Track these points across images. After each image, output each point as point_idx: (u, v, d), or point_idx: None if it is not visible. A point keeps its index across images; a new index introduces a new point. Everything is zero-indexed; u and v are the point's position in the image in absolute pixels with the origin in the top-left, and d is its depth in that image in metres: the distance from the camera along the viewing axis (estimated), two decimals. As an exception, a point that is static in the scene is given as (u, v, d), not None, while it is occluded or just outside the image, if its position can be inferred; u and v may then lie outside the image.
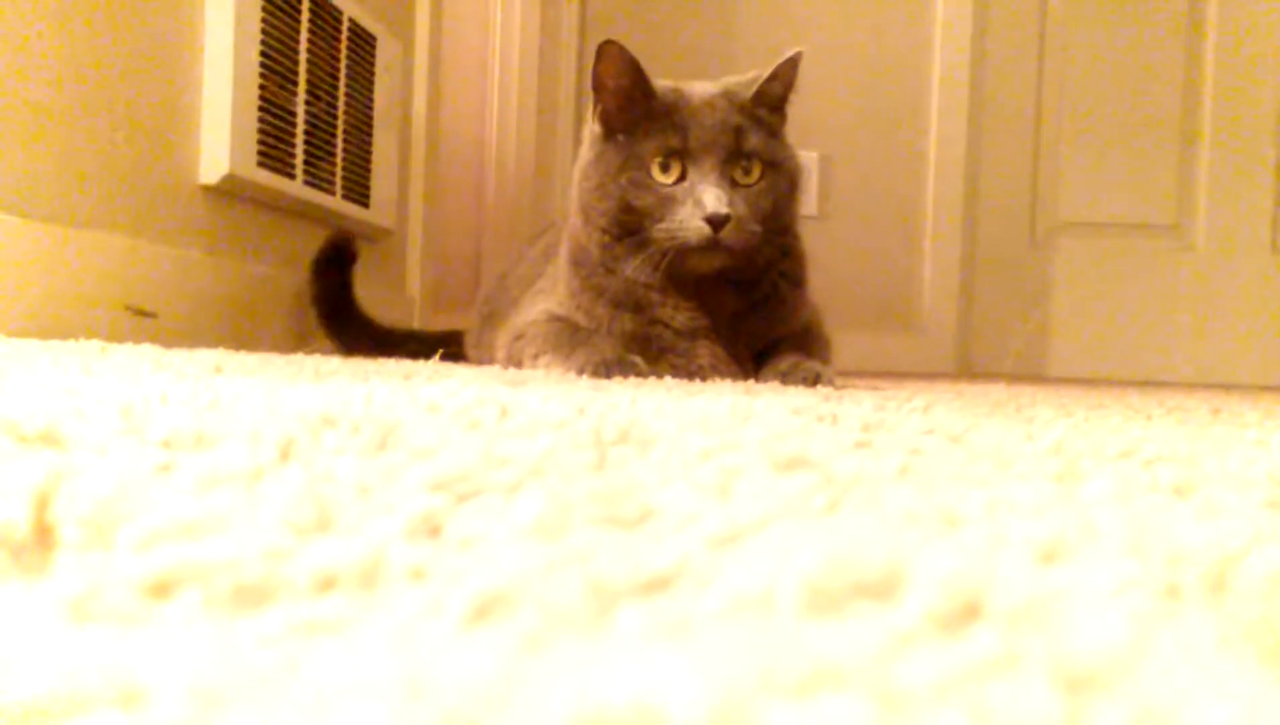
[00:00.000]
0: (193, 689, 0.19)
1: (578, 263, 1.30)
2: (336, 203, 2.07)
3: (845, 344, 2.82)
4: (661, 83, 1.26)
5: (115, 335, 1.40)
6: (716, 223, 1.16)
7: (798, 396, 0.89)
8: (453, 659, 0.21)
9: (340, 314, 1.93)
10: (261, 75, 1.78)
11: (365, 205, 2.20)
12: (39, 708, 0.18)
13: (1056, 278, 2.97)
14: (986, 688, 0.19)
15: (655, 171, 1.20)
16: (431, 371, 1.10)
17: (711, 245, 1.18)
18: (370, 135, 2.21)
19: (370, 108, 2.21)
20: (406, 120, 2.47)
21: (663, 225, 1.19)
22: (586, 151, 1.28)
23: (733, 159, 1.21)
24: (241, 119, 1.73)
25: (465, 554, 0.28)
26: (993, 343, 3.00)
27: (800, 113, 3.01)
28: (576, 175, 1.30)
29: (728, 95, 1.25)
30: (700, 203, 1.17)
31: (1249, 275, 2.87)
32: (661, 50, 2.81)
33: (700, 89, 1.26)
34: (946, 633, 0.23)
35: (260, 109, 1.78)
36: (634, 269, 1.23)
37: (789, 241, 1.32)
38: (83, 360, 0.89)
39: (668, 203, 1.19)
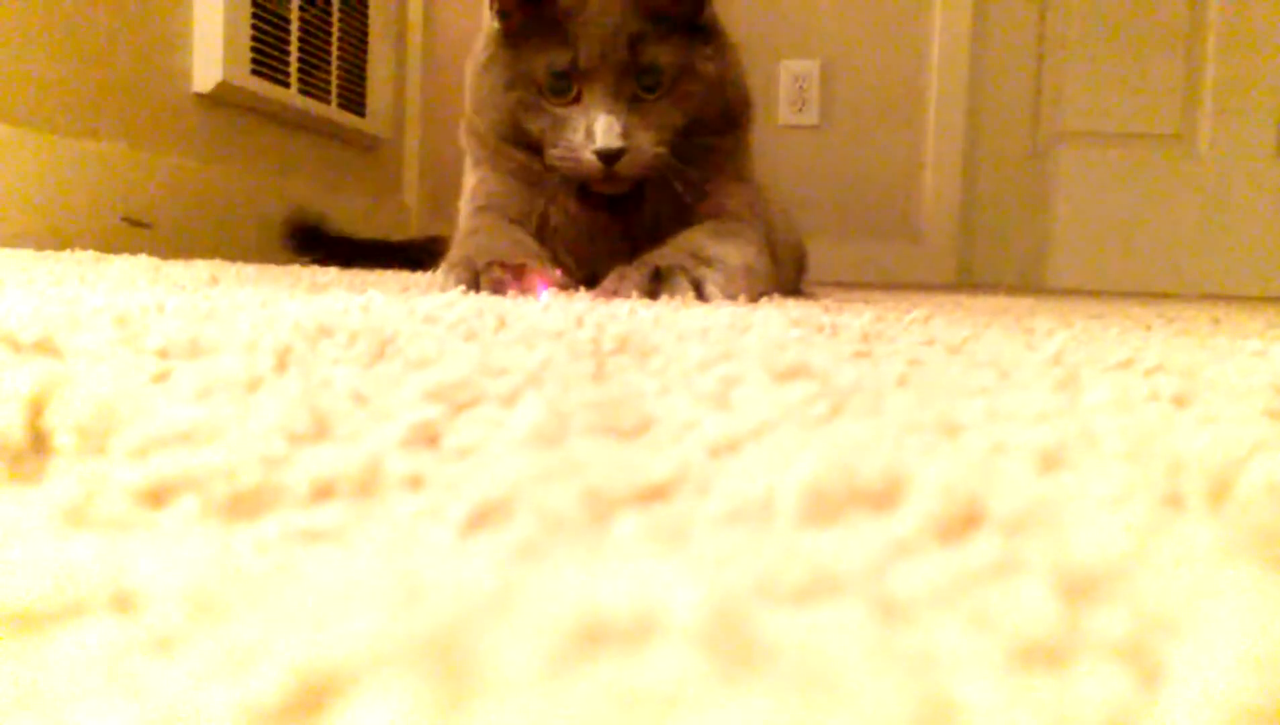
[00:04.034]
0: (188, 595, 0.19)
1: (480, 144, 1.20)
2: (332, 111, 2.05)
3: (844, 254, 2.83)
4: None
5: (111, 245, 1.40)
6: (608, 157, 1.05)
7: (797, 307, 0.89)
8: (450, 566, 0.21)
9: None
10: (254, -20, 1.75)
11: (361, 114, 2.18)
12: (33, 613, 0.18)
13: (1058, 188, 2.95)
14: (985, 595, 0.19)
15: (547, 92, 1.08)
16: (428, 282, 1.09)
17: (607, 176, 1.07)
18: (366, 42, 2.18)
19: (366, 13, 2.17)
20: (403, 26, 2.43)
21: (556, 151, 1.08)
22: (481, 50, 1.15)
23: (630, 74, 1.07)
24: (235, 26, 1.70)
25: (463, 462, 0.28)
26: (993, 253, 2.98)
27: (801, 20, 2.97)
28: (469, 70, 1.17)
29: None
30: (591, 133, 1.05)
31: (1253, 185, 2.85)
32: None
33: None
34: (946, 540, 0.22)
35: (254, 16, 1.75)
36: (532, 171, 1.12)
37: (722, 139, 1.17)
38: (78, 270, 0.89)
39: (560, 126, 1.08)
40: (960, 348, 0.58)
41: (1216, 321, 1.04)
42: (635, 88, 1.08)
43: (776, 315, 0.73)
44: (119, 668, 0.17)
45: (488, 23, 1.15)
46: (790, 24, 2.90)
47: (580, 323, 0.59)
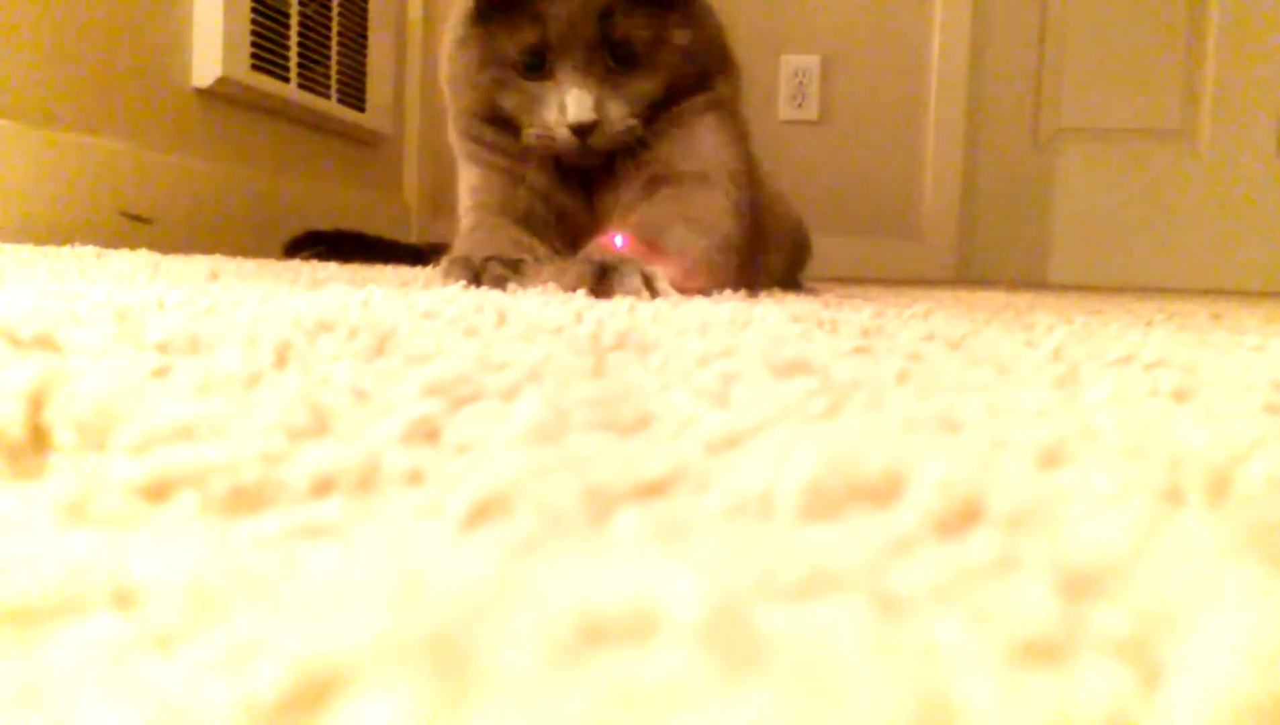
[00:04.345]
0: (188, 591, 0.19)
1: (466, 137, 1.20)
2: (331, 106, 2.05)
3: (844, 249, 2.83)
4: None
5: (111, 241, 1.40)
6: (581, 131, 1.06)
7: (798, 303, 0.89)
8: (450, 561, 0.21)
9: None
10: (253, -25, 1.74)
11: (361, 109, 2.17)
12: (32, 609, 0.18)
13: (1058, 183, 2.95)
14: (985, 591, 0.19)
15: (520, 69, 1.08)
16: (428, 278, 1.09)
17: (582, 150, 1.08)
18: (366, 37, 2.18)
19: (366, 8, 2.17)
20: (403, 21, 2.42)
21: (533, 130, 1.09)
22: (453, 29, 1.15)
23: (601, 48, 1.07)
24: (235, 21, 1.70)
25: (462, 458, 0.28)
26: (993, 249, 2.98)
27: (801, 15, 2.96)
28: (444, 50, 1.17)
29: None
30: (564, 108, 1.06)
31: (1253, 180, 2.85)
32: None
33: None
34: (945, 536, 0.22)
35: (254, 10, 1.75)
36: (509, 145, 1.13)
37: (699, 95, 1.15)
38: (78, 265, 0.89)
39: (535, 103, 1.08)
40: (960, 343, 0.58)
41: (1217, 317, 1.04)
42: (607, 60, 1.08)
43: (776, 310, 0.73)
44: (119, 664, 0.17)
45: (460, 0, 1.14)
46: (790, 18, 2.89)
47: (580, 318, 0.59)
